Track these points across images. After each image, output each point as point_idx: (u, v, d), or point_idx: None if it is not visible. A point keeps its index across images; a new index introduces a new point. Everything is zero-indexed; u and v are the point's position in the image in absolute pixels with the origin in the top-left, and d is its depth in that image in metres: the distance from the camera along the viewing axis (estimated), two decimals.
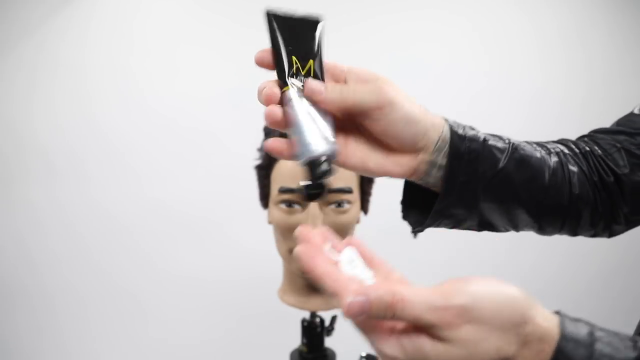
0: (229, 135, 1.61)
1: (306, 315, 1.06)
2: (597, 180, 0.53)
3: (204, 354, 1.70)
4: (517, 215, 0.50)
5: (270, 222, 1.01)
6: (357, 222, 0.98)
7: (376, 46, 1.64)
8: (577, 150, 0.54)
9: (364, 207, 1.02)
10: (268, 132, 0.96)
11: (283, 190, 0.91)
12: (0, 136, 1.62)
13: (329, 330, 1.05)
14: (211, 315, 1.69)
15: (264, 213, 1.04)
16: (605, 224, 0.55)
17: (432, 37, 1.67)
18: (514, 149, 0.48)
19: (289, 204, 0.93)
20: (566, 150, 0.54)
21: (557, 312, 0.34)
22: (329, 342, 1.08)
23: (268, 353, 1.42)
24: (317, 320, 1.04)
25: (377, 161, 0.45)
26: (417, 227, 0.51)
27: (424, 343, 0.31)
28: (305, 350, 1.05)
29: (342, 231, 0.95)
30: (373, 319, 0.32)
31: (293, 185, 0.90)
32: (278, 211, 0.95)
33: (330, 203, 0.92)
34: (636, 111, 0.58)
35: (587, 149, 0.55)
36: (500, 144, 0.48)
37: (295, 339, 1.10)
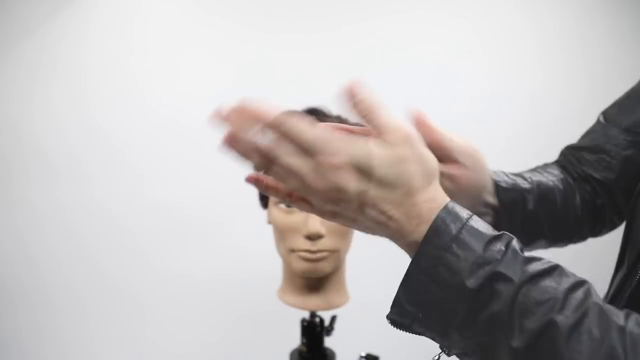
0: None
1: (306, 315, 1.06)
2: (591, 201, 0.62)
3: (204, 353, 1.70)
4: (535, 244, 0.59)
5: (269, 222, 1.01)
6: None
7: (376, 47, 1.64)
8: (574, 175, 0.63)
9: None
10: None
11: None
12: (0, 136, 1.62)
13: (329, 330, 1.06)
14: (211, 315, 1.69)
15: (264, 213, 1.04)
16: (604, 230, 0.65)
17: (432, 39, 1.67)
18: (537, 185, 0.57)
19: (289, 204, 0.93)
20: (565, 175, 0.63)
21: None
22: (328, 342, 1.08)
23: (268, 353, 1.42)
24: (317, 320, 1.04)
25: None
26: None
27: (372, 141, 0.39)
28: (305, 350, 1.05)
29: (342, 231, 0.95)
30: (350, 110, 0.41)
31: None
32: (277, 211, 0.95)
33: None
34: (600, 117, 0.68)
35: (578, 175, 0.64)
36: (526, 184, 0.56)
37: (295, 339, 1.10)
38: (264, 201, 1.02)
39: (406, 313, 0.39)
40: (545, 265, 0.38)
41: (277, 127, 0.39)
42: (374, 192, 0.38)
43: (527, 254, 0.39)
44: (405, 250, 0.41)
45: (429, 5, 1.67)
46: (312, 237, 0.92)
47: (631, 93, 0.67)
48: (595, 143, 0.64)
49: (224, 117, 0.41)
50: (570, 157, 0.66)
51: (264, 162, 0.40)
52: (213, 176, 1.63)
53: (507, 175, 0.55)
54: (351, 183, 0.38)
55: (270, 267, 1.17)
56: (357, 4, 1.65)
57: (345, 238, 0.98)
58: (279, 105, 0.41)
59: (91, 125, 1.62)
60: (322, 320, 1.05)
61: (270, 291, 1.11)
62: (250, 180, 0.46)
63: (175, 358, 1.70)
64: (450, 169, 0.50)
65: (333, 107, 0.97)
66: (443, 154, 0.50)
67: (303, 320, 1.06)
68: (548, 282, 0.37)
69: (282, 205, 0.94)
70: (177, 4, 1.62)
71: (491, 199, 0.53)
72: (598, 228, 0.64)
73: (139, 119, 1.62)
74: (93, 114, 1.61)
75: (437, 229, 0.38)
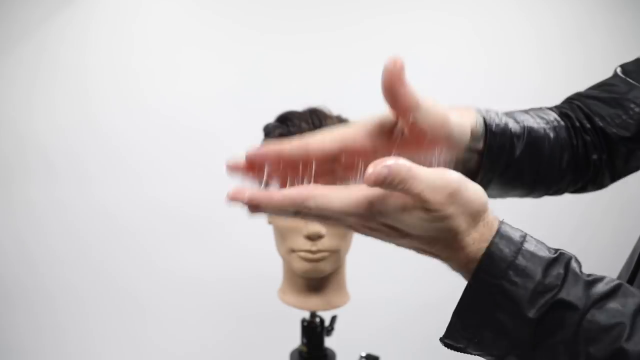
0: (229, 135, 1.61)
1: (306, 315, 1.06)
2: (584, 154, 0.57)
3: (204, 353, 1.70)
4: (513, 193, 0.54)
5: (270, 223, 1.01)
6: None
7: (376, 46, 1.64)
8: (576, 123, 0.58)
9: None
10: (268, 132, 0.96)
11: None
12: (1, 136, 1.62)
13: (329, 330, 1.06)
14: (211, 315, 1.69)
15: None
16: (589, 187, 0.60)
17: (432, 38, 1.67)
18: (528, 132, 0.51)
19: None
20: (562, 123, 0.57)
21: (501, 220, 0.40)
22: (329, 342, 1.08)
23: (268, 353, 1.42)
24: (317, 320, 1.04)
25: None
26: None
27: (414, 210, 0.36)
28: (305, 350, 1.05)
29: (342, 231, 0.95)
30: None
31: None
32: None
33: None
34: (618, 70, 0.64)
35: (579, 124, 0.58)
36: (518, 128, 0.51)
37: (295, 339, 1.10)
38: None
39: (461, 338, 0.38)
40: (609, 286, 0.36)
41: (296, 211, 0.36)
42: (415, 244, 0.38)
43: (586, 273, 0.37)
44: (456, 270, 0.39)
45: (430, 4, 1.67)
46: (312, 237, 0.92)
47: None
48: (612, 96, 0.60)
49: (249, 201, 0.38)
50: (577, 104, 0.61)
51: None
52: (213, 176, 1.63)
53: (498, 117, 0.50)
54: (389, 237, 0.37)
55: (271, 267, 1.17)
56: (358, 4, 1.65)
57: (345, 238, 0.98)
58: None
59: (92, 125, 1.62)
60: (322, 320, 1.05)
61: (271, 291, 1.11)
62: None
63: (176, 358, 1.70)
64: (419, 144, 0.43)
65: (333, 107, 0.97)
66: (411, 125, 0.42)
67: (303, 320, 1.06)
68: (613, 305, 0.35)
69: None
70: (178, 3, 1.62)
71: (477, 144, 0.47)
72: (581, 184, 0.59)
73: (140, 119, 1.62)
74: (94, 114, 1.61)
75: (492, 255, 0.36)
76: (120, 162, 1.63)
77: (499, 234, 0.37)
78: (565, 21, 1.71)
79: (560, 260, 0.37)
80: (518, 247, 0.36)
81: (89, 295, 1.67)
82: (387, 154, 0.37)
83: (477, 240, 0.37)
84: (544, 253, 0.37)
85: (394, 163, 0.32)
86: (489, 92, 1.67)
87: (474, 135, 0.46)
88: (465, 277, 0.38)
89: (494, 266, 0.36)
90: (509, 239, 0.37)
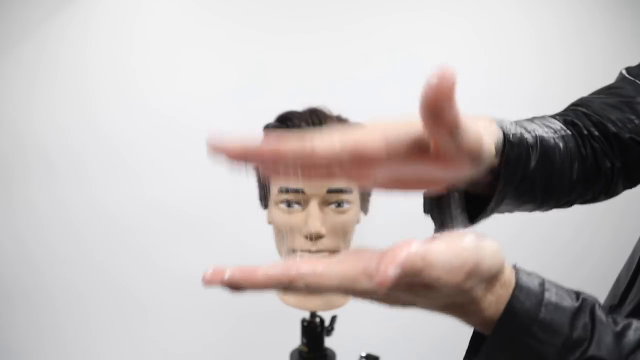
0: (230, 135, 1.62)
1: (306, 315, 1.06)
2: (593, 163, 0.53)
3: (204, 353, 1.70)
4: (523, 208, 0.50)
5: (270, 223, 1.01)
6: (357, 222, 0.98)
7: (377, 46, 1.64)
8: (584, 131, 0.54)
9: (364, 207, 1.02)
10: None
11: (283, 190, 0.91)
12: (1, 136, 1.62)
13: (329, 330, 1.06)
14: (211, 315, 1.69)
15: (264, 213, 1.04)
16: (601, 197, 0.56)
17: (432, 38, 1.67)
18: (540, 142, 0.48)
19: (289, 204, 0.93)
20: (569, 132, 0.53)
21: (514, 266, 0.36)
22: (329, 342, 1.08)
23: (268, 353, 1.42)
24: (317, 320, 1.04)
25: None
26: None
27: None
28: (305, 350, 1.05)
29: (342, 231, 0.95)
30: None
31: (293, 185, 0.91)
32: (278, 211, 0.95)
33: (330, 203, 0.92)
34: (624, 72, 0.59)
35: (587, 132, 0.54)
36: (530, 138, 0.47)
37: (295, 339, 1.10)
38: (264, 201, 1.02)
39: None
40: (639, 334, 0.33)
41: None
42: (424, 308, 0.35)
43: (611, 318, 0.34)
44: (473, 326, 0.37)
45: (430, 4, 1.67)
46: (312, 237, 0.92)
47: None
48: (622, 100, 0.56)
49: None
50: (583, 111, 0.58)
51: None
52: (214, 176, 1.63)
53: (513, 126, 0.47)
54: (394, 304, 0.35)
55: None
56: (358, 3, 1.65)
57: (345, 238, 0.98)
58: None
59: (92, 125, 1.62)
60: (322, 320, 1.05)
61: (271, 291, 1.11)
62: None
63: (176, 357, 1.70)
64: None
65: (333, 107, 0.97)
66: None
67: (303, 320, 1.06)
68: None
69: (283, 206, 0.94)
70: (178, 3, 1.62)
71: (494, 160, 0.43)
72: (590, 195, 0.56)
73: (140, 119, 1.62)
74: (94, 114, 1.61)
75: (513, 309, 0.33)
76: (121, 161, 1.63)
77: (518, 286, 0.34)
78: (564, 21, 1.71)
79: (585, 308, 0.34)
80: (539, 298, 0.33)
81: (89, 295, 1.67)
82: (403, 166, 0.35)
83: (493, 303, 0.34)
84: (568, 302, 0.34)
85: (406, 259, 0.29)
86: (489, 92, 1.67)
87: (496, 152, 0.43)
88: (483, 325, 0.35)
89: (517, 322, 0.33)
90: (528, 291, 0.34)
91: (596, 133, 0.54)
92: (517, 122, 0.49)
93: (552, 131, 0.51)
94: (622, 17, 1.73)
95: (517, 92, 1.69)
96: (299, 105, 0.97)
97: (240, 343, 1.69)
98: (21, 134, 1.62)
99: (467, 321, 0.35)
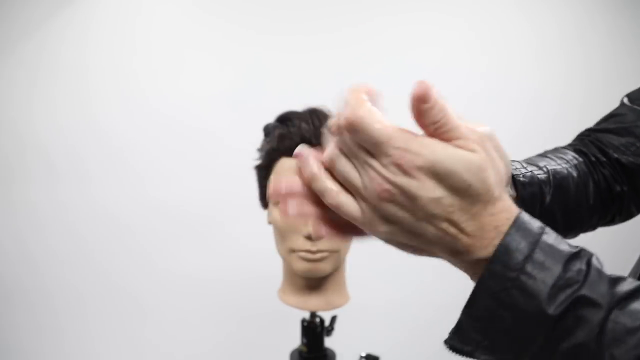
0: (230, 135, 1.62)
1: (306, 315, 1.06)
2: (606, 188, 0.56)
3: (204, 353, 1.70)
4: None
5: (269, 223, 1.01)
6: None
7: (375, 48, 1.64)
8: (592, 158, 0.58)
9: None
10: (268, 132, 0.97)
11: None
12: (1, 136, 1.62)
13: (329, 330, 1.06)
14: (211, 315, 1.69)
15: (264, 213, 1.04)
16: (617, 219, 0.59)
17: (431, 39, 1.67)
18: (553, 175, 0.51)
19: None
20: (580, 159, 0.57)
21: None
22: (329, 342, 1.08)
23: (268, 353, 1.42)
24: (317, 320, 1.05)
25: None
26: None
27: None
28: (305, 350, 1.05)
29: None
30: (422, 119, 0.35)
31: None
32: (278, 211, 0.95)
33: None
34: (625, 100, 0.62)
35: (595, 159, 0.58)
36: (542, 175, 0.50)
37: (295, 339, 1.11)
38: (264, 201, 1.02)
39: (469, 340, 0.35)
40: (633, 286, 0.34)
41: (345, 126, 0.35)
42: (449, 200, 0.34)
43: (608, 272, 0.35)
44: (465, 270, 0.37)
45: (428, 6, 1.67)
46: (312, 238, 0.92)
47: None
48: (623, 126, 0.59)
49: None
50: (590, 139, 0.61)
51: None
52: (214, 176, 1.64)
53: (522, 166, 0.49)
54: (424, 189, 0.33)
55: (271, 267, 1.17)
56: (357, 6, 1.65)
57: None
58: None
59: (92, 125, 1.62)
60: (322, 321, 1.05)
61: (271, 291, 1.11)
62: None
63: (175, 358, 1.70)
64: None
65: (333, 107, 0.97)
66: None
67: (303, 321, 1.06)
68: (638, 306, 0.33)
69: None
70: (179, 4, 1.62)
71: (510, 191, 0.46)
72: (609, 217, 0.58)
73: (141, 119, 1.62)
74: (94, 114, 1.61)
75: (507, 246, 0.33)
76: (121, 162, 1.63)
77: (517, 224, 0.34)
78: (564, 22, 1.71)
79: (582, 255, 0.34)
80: (536, 239, 0.34)
81: (89, 296, 1.67)
82: None
83: (505, 210, 0.35)
84: (564, 247, 0.34)
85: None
86: (487, 92, 1.67)
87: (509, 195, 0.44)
88: (475, 266, 0.35)
89: (510, 258, 0.33)
90: (526, 230, 0.34)
91: (603, 159, 0.57)
92: (528, 161, 0.53)
93: (564, 162, 0.55)
94: (622, 17, 1.73)
95: (515, 93, 1.69)
96: (298, 106, 0.97)
97: (240, 343, 1.69)
98: (21, 134, 1.62)
99: (473, 246, 0.35)
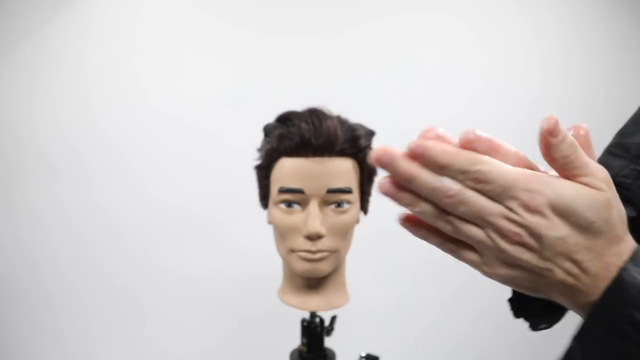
0: (230, 135, 1.62)
1: (306, 315, 1.06)
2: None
3: (204, 353, 1.70)
4: None
5: (270, 223, 1.01)
6: (357, 222, 0.99)
7: (376, 48, 1.64)
8: None
9: (364, 207, 1.02)
10: (268, 132, 0.97)
11: (283, 191, 0.92)
12: (1, 136, 1.62)
13: (329, 330, 1.06)
14: (211, 315, 1.69)
15: (264, 213, 1.04)
16: None
17: (431, 39, 1.67)
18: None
19: (289, 204, 0.93)
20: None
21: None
22: (328, 342, 1.08)
23: (268, 353, 1.42)
24: (317, 320, 1.04)
25: None
26: (542, 325, 0.55)
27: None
28: (305, 350, 1.05)
29: (342, 231, 0.95)
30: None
31: (293, 185, 0.91)
32: (278, 211, 0.95)
33: (330, 203, 0.92)
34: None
35: None
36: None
37: (295, 339, 1.11)
38: (264, 201, 1.02)
39: None
40: None
41: (465, 170, 0.34)
42: (574, 239, 0.33)
43: None
44: (577, 310, 0.36)
45: (429, 6, 1.67)
46: (312, 237, 0.92)
47: (634, 118, 0.61)
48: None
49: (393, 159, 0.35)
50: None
51: (437, 211, 0.35)
52: (214, 176, 1.64)
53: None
54: (552, 227, 0.33)
55: (270, 267, 1.17)
56: (357, 5, 1.65)
57: (345, 238, 0.98)
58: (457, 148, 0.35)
59: (93, 126, 1.62)
60: (322, 321, 1.05)
61: (271, 291, 1.11)
62: (405, 221, 0.39)
63: (175, 358, 1.70)
64: None
65: (333, 107, 0.97)
66: None
67: (303, 321, 1.06)
68: None
69: (282, 206, 0.94)
70: (179, 4, 1.62)
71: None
72: None
73: (141, 119, 1.62)
74: (94, 114, 1.62)
75: (623, 280, 0.33)
76: (121, 162, 1.63)
77: (635, 258, 0.34)
78: (564, 22, 1.71)
79: None
80: None
81: (89, 296, 1.67)
82: None
83: (628, 250, 0.34)
84: None
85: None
86: (488, 93, 1.67)
87: None
88: (588, 306, 0.35)
89: (626, 293, 0.32)
90: None
91: None
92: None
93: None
94: (622, 17, 1.73)
95: (515, 93, 1.69)
96: (298, 106, 0.97)
97: (240, 343, 1.69)
98: (21, 134, 1.62)
99: (592, 286, 0.34)
